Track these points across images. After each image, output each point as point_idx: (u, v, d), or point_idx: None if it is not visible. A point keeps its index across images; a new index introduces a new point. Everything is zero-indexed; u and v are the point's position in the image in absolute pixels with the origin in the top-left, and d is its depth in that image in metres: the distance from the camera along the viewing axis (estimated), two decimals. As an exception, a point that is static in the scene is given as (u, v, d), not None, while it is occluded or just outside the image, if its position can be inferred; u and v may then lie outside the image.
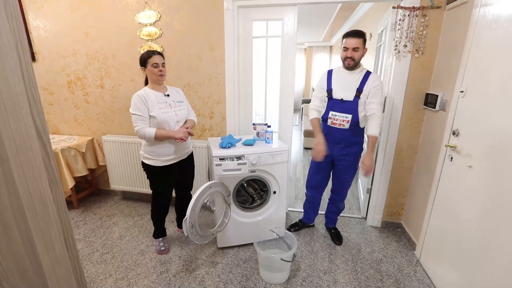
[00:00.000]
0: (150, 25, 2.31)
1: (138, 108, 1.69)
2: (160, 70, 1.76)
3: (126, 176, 2.70)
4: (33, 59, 2.66)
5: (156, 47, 2.35)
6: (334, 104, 1.87)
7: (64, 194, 2.49)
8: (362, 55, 1.80)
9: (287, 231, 1.97)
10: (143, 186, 2.70)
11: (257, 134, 2.14)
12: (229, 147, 1.93)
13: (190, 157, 2.05)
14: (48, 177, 0.68)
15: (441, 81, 1.87)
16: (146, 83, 1.87)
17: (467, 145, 1.51)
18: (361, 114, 1.84)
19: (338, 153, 1.95)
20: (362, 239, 2.26)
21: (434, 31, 1.90)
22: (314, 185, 2.17)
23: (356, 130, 1.87)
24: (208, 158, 2.40)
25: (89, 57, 2.54)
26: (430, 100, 1.94)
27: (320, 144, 1.87)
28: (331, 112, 1.88)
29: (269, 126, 2.09)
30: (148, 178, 1.92)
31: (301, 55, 8.59)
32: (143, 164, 1.87)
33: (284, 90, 2.31)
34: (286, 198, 2.14)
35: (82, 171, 2.60)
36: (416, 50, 1.95)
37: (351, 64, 1.79)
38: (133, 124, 1.72)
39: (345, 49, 1.78)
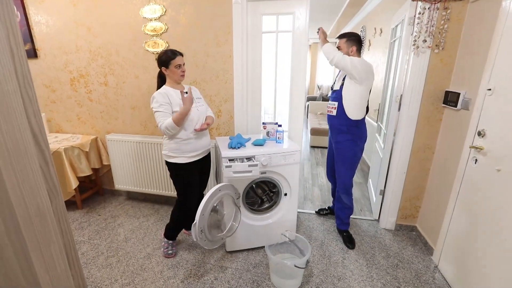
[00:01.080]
0: (155, 19, 2.22)
1: (161, 104, 1.67)
2: (183, 71, 1.75)
3: (131, 176, 2.63)
4: (35, 55, 2.58)
5: (161, 42, 2.27)
6: (331, 93, 2.13)
7: (68, 195, 2.45)
8: (346, 52, 1.94)
9: (298, 235, 1.89)
10: (148, 186, 2.62)
11: (267, 133, 2.05)
12: (238, 147, 1.84)
13: (209, 155, 2.02)
14: (47, 186, 0.60)
15: (463, 78, 1.77)
16: (161, 81, 1.82)
17: (496, 146, 1.41)
18: (345, 103, 1.94)
19: (333, 140, 2.12)
20: (376, 242, 2.17)
21: (456, 25, 1.79)
22: (327, 171, 2.41)
23: (342, 118, 1.98)
24: (216, 158, 2.31)
25: (92, 53, 2.46)
26: (451, 98, 1.83)
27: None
28: (328, 102, 2.12)
29: (280, 126, 2.00)
30: (173, 177, 1.87)
31: (306, 52, 8.43)
32: (168, 164, 1.83)
33: (295, 88, 2.22)
34: (300, 203, 2.05)
35: (86, 171, 2.53)
36: (436, 45, 1.84)
37: None
38: (156, 122, 1.69)
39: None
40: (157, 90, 1.76)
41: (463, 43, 1.79)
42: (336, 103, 2.00)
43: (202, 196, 2.05)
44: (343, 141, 2.04)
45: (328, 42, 2.02)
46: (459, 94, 1.74)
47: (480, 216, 1.50)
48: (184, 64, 1.76)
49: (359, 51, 1.95)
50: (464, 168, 1.65)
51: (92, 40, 2.42)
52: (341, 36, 1.98)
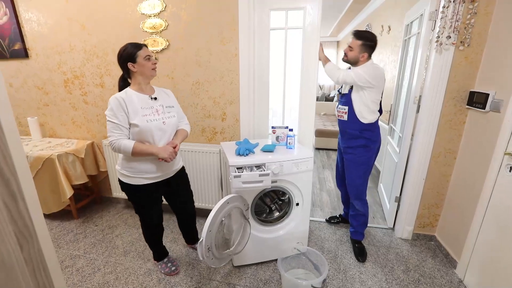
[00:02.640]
0: (154, 16, 2.07)
1: (115, 114, 1.37)
2: (155, 63, 1.47)
3: (129, 183, 2.46)
4: (26, 55, 2.42)
5: (161, 40, 2.11)
6: (340, 98, 2.01)
7: (62, 205, 2.29)
8: (356, 57, 1.79)
9: (310, 248, 1.75)
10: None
11: (277, 138, 1.90)
12: (247, 154, 1.69)
13: (180, 172, 1.71)
14: (15, 229, 0.45)
15: (491, 77, 1.62)
16: (124, 85, 1.51)
17: (538, 154, 1.26)
18: (356, 107, 1.83)
19: (344, 145, 2.00)
20: (393, 254, 2.02)
21: (483, 20, 1.64)
22: (337, 178, 2.28)
23: (355, 123, 1.86)
24: (221, 165, 2.16)
25: (87, 52, 2.30)
26: (477, 99, 1.69)
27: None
28: (338, 106, 2.00)
29: (291, 130, 1.85)
30: (129, 200, 1.62)
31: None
32: (121, 183, 1.55)
33: (305, 89, 2.06)
34: (310, 210, 1.90)
35: (81, 179, 2.37)
36: (461, 42, 1.69)
37: (344, 59, 1.86)
38: (107, 132, 1.40)
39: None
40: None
41: (491, 39, 1.64)
42: (346, 107, 1.88)
43: (193, 213, 1.88)
44: (356, 146, 1.91)
45: (329, 60, 1.93)
46: (487, 95, 1.60)
47: (517, 230, 1.36)
48: (153, 57, 1.48)
49: (369, 58, 1.80)
50: (496, 175, 1.51)
51: (87, 38, 2.26)
52: (357, 36, 1.75)
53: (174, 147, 1.50)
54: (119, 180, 1.56)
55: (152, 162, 1.50)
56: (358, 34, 1.76)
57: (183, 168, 1.75)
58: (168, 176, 1.62)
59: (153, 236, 1.76)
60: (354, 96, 1.83)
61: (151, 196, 1.59)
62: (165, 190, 1.67)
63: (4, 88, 0.48)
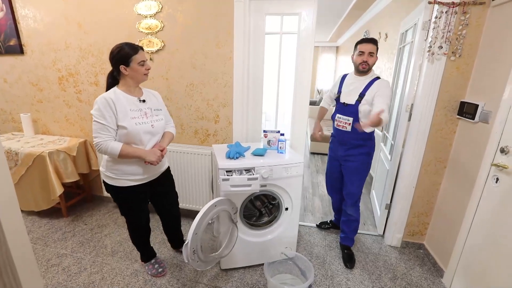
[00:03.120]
0: (150, 16, 2.07)
1: (103, 115, 1.33)
2: (148, 69, 1.44)
3: (120, 182, 2.45)
4: (21, 51, 2.41)
5: (156, 41, 2.11)
6: (339, 107, 1.92)
7: (52, 202, 2.27)
8: (375, 62, 1.81)
9: (298, 254, 1.74)
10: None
11: (268, 142, 1.91)
12: (237, 158, 1.69)
13: (165, 173, 1.71)
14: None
15: (482, 88, 1.64)
16: (112, 82, 1.46)
17: (523, 166, 1.27)
18: (363, 118, 1.80)
19: (343, 154, 1.95)
20: (382, 261, 2.02)
21: (474, 31, 1.66)
22: (328, 186, 2.25)
23: (358, 133, 1.81)
24: (212, 167, 2.16)
25: (83, 51, 2.30)
26: (467, 110, 1.70)
27: (315, 128, 2.11)
28: (337, 115, 1.93)
29: (282, 134, 1.85)
30: (114, 201, 1.60)
31: (307, 55, 8.33)
32: (106, 184, 1.52)
33: (299, 93, 2.07)
34: (299, 215, 1.90)
35: (72, 177, 2.35)
36: (452, 52, 1.71)
37: (366, 68, 1.80)
38: (93, 133, 1.36)
39: (361, 53, 1.79)
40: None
41: (482, 50, 1.65)
42: (351, 119, 1.83)
43: (177, 216, 1.87)
44: (358, 155, 1.90)
45: (380, 118, 1.52)
46: (477, 105, 1.61)
47: (501, 239, 1.36)
48: (147, 62, 1.45)
49: None
50: (483, 186, 1.52)
51: (83, 37, 2.26)
52: (373, 41, 1.77)
53: (162, 150, 1.49)
54: (104, 182, 1.54)
55: (138, 164, 1.48)
56: (374, 40, 1.78)
57: (168, 169, 1.75)
58: (154, 177, 1.61)
59: (140, 238, 1.75)
60: (363, 108, 1.77)
61: (137, 198, 1.57)
62: (151, 192, 1.66)
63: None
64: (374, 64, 1.82)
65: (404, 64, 2.30)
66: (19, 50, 2.41)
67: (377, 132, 3.46)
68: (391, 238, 2.20)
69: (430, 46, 1.73)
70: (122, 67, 1.39)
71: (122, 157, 1.40)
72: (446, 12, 1.65)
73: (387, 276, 1.88)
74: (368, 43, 1.77)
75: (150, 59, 2.16)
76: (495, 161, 1.44)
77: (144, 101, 1.49)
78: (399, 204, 2.10)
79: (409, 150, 1.97)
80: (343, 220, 2.07)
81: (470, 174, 1.65)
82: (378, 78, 1.80)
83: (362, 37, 4.90)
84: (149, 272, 1.81)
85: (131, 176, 1.49)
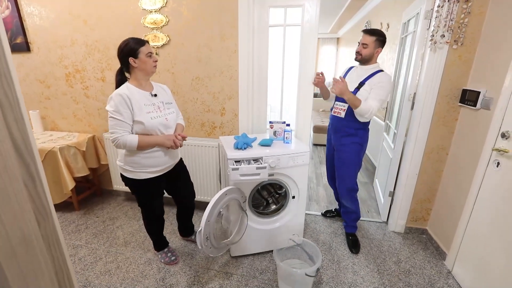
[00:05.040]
0: (155, 11, 2.10)
1: (119, 111, 1.36)
2: (156, 61, 1.48)
3: (129, 176, 2.51)
4: (28, 49, 2.45)
5: (161, 36, 2.14)
6: None
7: (64, 196, 2.34)
8: (371, 53, 1.81)
9: (305, 239, 1.80)
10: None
11: (274, 133, 1.95)
12: (245, 148, 1.74)
13: (179, 164, 1.77)
14: (34, 207, 0.50)
15: (483, 76, 1.67)
16: (121, 79, 1.49)
17: (523, 150, 1.32)
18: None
19: (336, 142, 2.01)
20: (386, 246, 2.09)
21: (477, 20, 1.68)
22: (328, 176, 2.33)
23: (350, 121, 1.88)
24: (220, 158, 2.22)
25: (89, 47, 2.33)
26: (469, 97, 1.74)
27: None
28: (335, 102, 1.99)
29: (288, 125, 1.90)
30: (132, 193, 1.66)
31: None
32: (123, 178, 1.57)
33: (303, 85, 2.11)
34: (306, 203, 1.96)
35: (82, 171, 2.42)
36: (454, 40, 1.74)
37: (358, 58, 1.86)
38: (109, 129, 1.40)
39: (358, 43, 1.84)
40: (116, 88, 1.46)
41: (484, 38, 1.68)
42: (346, 105, 1.87)
43: (192, 205, 1.95)
44: (349, 144, 1.93)
45: (353, 95, 1.76)
46: (478, 92, 1.65)
47: (501, 222, 1.42)
48: (154, 54, 1.47)
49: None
50: (484, 171, 1.57)
51: (89, 33, 2.29)
52: (370, 32, 1.77)
53: (184, 138, 1.58)
54: (122, 175, 1.58)
55: (155, 156, 1.53)
56: (370, 31, 1.78)
57: (181, 160, 1.81)
58: (169, 169, 1.67)
59: (155, 228, 1.82)
60: (360, 95, 1.79)
61: (154, 190, 1.63)
62: (168, 183, 1.72)
63: (19, 85, 0.52)
64: (369, 55, 1.80)
65: (406, 53, 2.32)
66: (25, 47, 2.44)
67: (379, 121, 3.50)
68: (394, 224, 2.26)
69: (433, 35, 1.76)
70: (131, 59, 1.41)
71: (141, 148, 1.44)
72: (448, 1, 1.67)
73: (392, 260, 1.94)
74: (366, 34, 1.79)
75: (156, 53, 2.20)
76: (496, 146, 1.48)
77: (155, 95, 1.53)
78: (402, 191, 2.15)
79: (412, 138, 2.01)
80: (343, 211, 2.15)
81: (472, 159, 1.69)
82: (381, 71, 1.82)
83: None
84: (162, 260, 1.88)
85: (148, 169, 1.53)
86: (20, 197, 0.47)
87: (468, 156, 1.75)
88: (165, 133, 1.53)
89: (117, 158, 1.59)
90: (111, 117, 1.39)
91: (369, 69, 1.85)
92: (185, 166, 1.84)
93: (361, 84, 1.82)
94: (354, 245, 2.05)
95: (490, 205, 1.52)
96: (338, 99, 1.96)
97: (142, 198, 1.66)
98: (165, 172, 1.63)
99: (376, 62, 1.86)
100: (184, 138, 1.58)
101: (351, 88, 1.84)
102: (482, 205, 1.58)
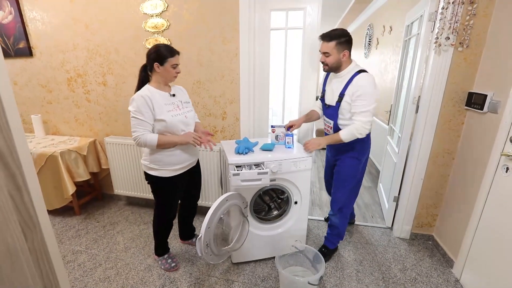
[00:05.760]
0: (156, 15, 2.09)
1: (140, 111, 1.44)
2: (178, 72, 1.56)
3: (130, 180, 2.50)
4: (30, 54, 2.46)
5: (162, 40, 2.13)
6: (324, 108, 1.83)
7: (65, 201, 2.32)
8: (337, 59, 1.59)
9: (308, 246, 1.76)
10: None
11: (276, 137, 1.92)
12: (246, 153, 1.71)
13: (198, 163, 1.86)
14: (20, 219, 0.47)
15: (490, 78, 1.63)
16: (145, 75, 1.57)
17: (533, 154, 1.28)
18: (340, 121, 1.68)
19: (332, 158, 1.90)
20: (391, 253, 2.04)
21: (482, 21, 1.65)
22: (326, 187, 2.22)
23: None
24: (221, 163, 2.19)
25: (90, 51, 2.33)
26: (475, 100, 1.70)
27: (291, 121, 1.88)
28: (323, 116, 1.86)
29: (288, 129, 1.87)
30: (153, 191, 1.70)
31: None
32: (148, 176, 1.64)
33: (305, 89, 2.08)
34: (308, 208, 1.92)
35: (83, 176, 2.40)
36: (460, 43, 1.70)
37: (325, 69, 1.68)
38: (131, 128, 1.48)
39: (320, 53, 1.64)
40: (137, 87, 1.55)
41: (490, 40, 1.65)
42: (332, 122, 1.71)
43: (196, 205, 1.99)
44: (345, 158, 1.77)
45: (336, 135, 1.61)
46: (485, 96, 1.61)
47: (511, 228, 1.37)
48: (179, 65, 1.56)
49: (350, 55, 1.62)
50: (493, 176, 1.52)
51: (90, 37, 2.30)
52: (328, 38, 1.55)
53: (209, 133, 1.70)
54: (147, 174, 1.63)
55: (179, 154, 1.61)
56: (327, 36, 1.56)
57: (198, 160, 1.87)
58: (191, 166, 1.74)
59: (164, 230, 1.82)
60: (343, 112, 1.62)
61: (177, 187, 1.69)
62: (187, 181, 1.76)
63: (10, 88, 0.50)
64: (336, 62, 1.59)
65: (410, 56, 2.29)
66: (28, 52, 2.45)
67: (382, 125, 3.46)
68: (399, 230, 2.21)
69: (437, 38, 1.73)
70: (156, 65, 1.49)
71: (160, 146, 1.51)
72: (453, 3, 1.64)
73: (397, 267, 1.89)
74: (323, 41, 1.59)
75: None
76: (504, 150, 1.44)
77: (174, 95, 1.61)
78: (407, 196, 2.11)
79: (417, 142, 1.97)
80: (329, 224, 1.98)
81: (479, 164, 1.65)
82: (359, 72, 1.57)
83: (366, 31, 4.86)
84: (162, 267, 1.85)
85: (172, 167, 1.60)
86: (5, 208, 0.44)
87: (476, 161, 1.70)
88: (185, 130, 1.60)
89: (142, 157, 1.65)
90: (133, 117, 1.46)
91: (344, 76, 1.63)
92: (200, 167, 1.91)
93: (341, 95, 1.61)
94: (324, 255, 1.87)
95: (500, 211, 1.47)
96: (325, 114, 1.80)
97: (164, 196, 1.70)
98: (186, 170, 1.69)
99: (350, 64, 1.62)
100: (209, 134, 1.70)
101: (333, 101, 1.67)
102: (491, 211, 1.53)
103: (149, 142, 1.47)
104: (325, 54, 1.60)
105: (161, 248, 1.87)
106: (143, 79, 1.57)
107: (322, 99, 1.81)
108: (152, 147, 1.50)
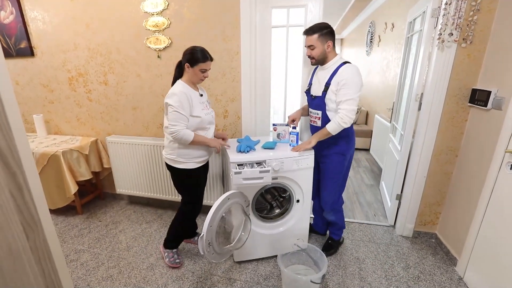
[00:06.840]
0: (157, 14, 2.08)
1: (182, 106, 1.52)
2: (206, 77, 1.64)
3: (133, 179, 2.50)
4: (32, 53, 2.46)
5: (163, 38, 2.13)
6: (309, 101, 1.82)
7: (67, 200, 2.33)
8: (322, 51, 1.63)
9: (310, 245, 1.75)
10: (151, 191, 2.50)
11: (278, 135, 1.91)
12: (248, 151, 1.71)
13: (209, 161, 1.95)
14: (22, 219, 0.47)
15: (494, 75, 1.61)
16: (179, 71, 1.66)
17: (538, 151, 1.26)
18: (329, 112, 1.69)
19: (318, 154, 1.82)
20: (394, 251, 2.03)
21: (486, 17, 1.63)
22: (312, 188, 2.09)
23: None
24: (223, 162, 2.19)
25: (91, 51, 2.33)
26: (479, 97, 1.68)
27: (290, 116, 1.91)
28: (309, 109, 1.83)
29: (294, 127, 1.86)
30: (180, 183, 1.77)
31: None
32: (174, 170, 1.70)
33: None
34: (311, 207, 1.91)
35: (85, 175, 2.41)
36: (463, 39, 1.69)
37: (313, 62, 1.72)
38: (171, 122, 1.52)
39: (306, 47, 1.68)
40: (173, 80, 1.66)
41: (494, 36, 1.63)
42: (320, 112, 1.71)
43: (201, 203, 1.96)
44: (331, 154, 1.77)
45: (322, 132, 1.64)
46: (489, 92, 1.59)
47: (517, 227, 1.36)
48: (209, 70, 1.63)
49: (334, 46, 1.66)
50: (497, 173, 1.50)
51: (91, 37, 2.29)
52: (310, 31, 1.60)
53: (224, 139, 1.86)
54: (171, 168, 1.71)
55: (201, 148, 1.71)
56: (310, 30, 1.61)
57: None
58: (206, 161, 1.83)
59: (186, 224, 1.89)
60: (329, 101, 1.64)
61: (201, 177, 1.82)
62: (204, 173, 1.87)
63: (10, 87, 0.50)
64: (322, 53, 1.63)
65: (412, 53, 2.27)
66: (29, 52, 2.45)
67: (384, 122, 3.44)
68: (402, 228, 2.20)
69: (440, 34, 1.71)
70: (186, 65, 1.58)
71: (193, 143, 1.61)
72: (456, -2, 1.62)
73: (400, 266, 1.88)
74: (307, 35, 1.63)
75: (158, 56, 2.19)
76: (509, 147, 1.42)
77: (202, 95, 1.70)
78: (410, 194, 2.10)
79: (420, 140, 1.96)
80: (329, 222, 2.03)
81: (483, 162, 1.63)
82: (344, 63, 1.62)
83: (367, 28, 4.84)
84: (167, 259, 1.86)
85: (197, 159, 1.71)
86: (6, 207, 0.44)
87: (479, 158, 1.69)
88: (211, 128, 1.73)
89: (164, 151, 1.71)
90: (175, 111, 1.51)
91: (329, 67, 1.66)
92: (209, 164, 2.00)
93: (327, 85, 1.64)
94: (327, 248, 1.97)
95: (504, 208, 1.45)
96: (311, 105, 1.79)
97: (191, 186, 1.77)
98: (204, 163, 1.79)
99: (335, 55, 1.66)
100: (225, 138, 1.87)
101: (319, 92, 1.68)
102: (495, 209, 1.52)
103: (185, 137, 1.55)
104: (310, 47, 1.64)
105: (175, 241, 1.90)
106: (178, 75, 1.66)
107: (307, 92, 1.82)
108: (186, 142, 1.58)
